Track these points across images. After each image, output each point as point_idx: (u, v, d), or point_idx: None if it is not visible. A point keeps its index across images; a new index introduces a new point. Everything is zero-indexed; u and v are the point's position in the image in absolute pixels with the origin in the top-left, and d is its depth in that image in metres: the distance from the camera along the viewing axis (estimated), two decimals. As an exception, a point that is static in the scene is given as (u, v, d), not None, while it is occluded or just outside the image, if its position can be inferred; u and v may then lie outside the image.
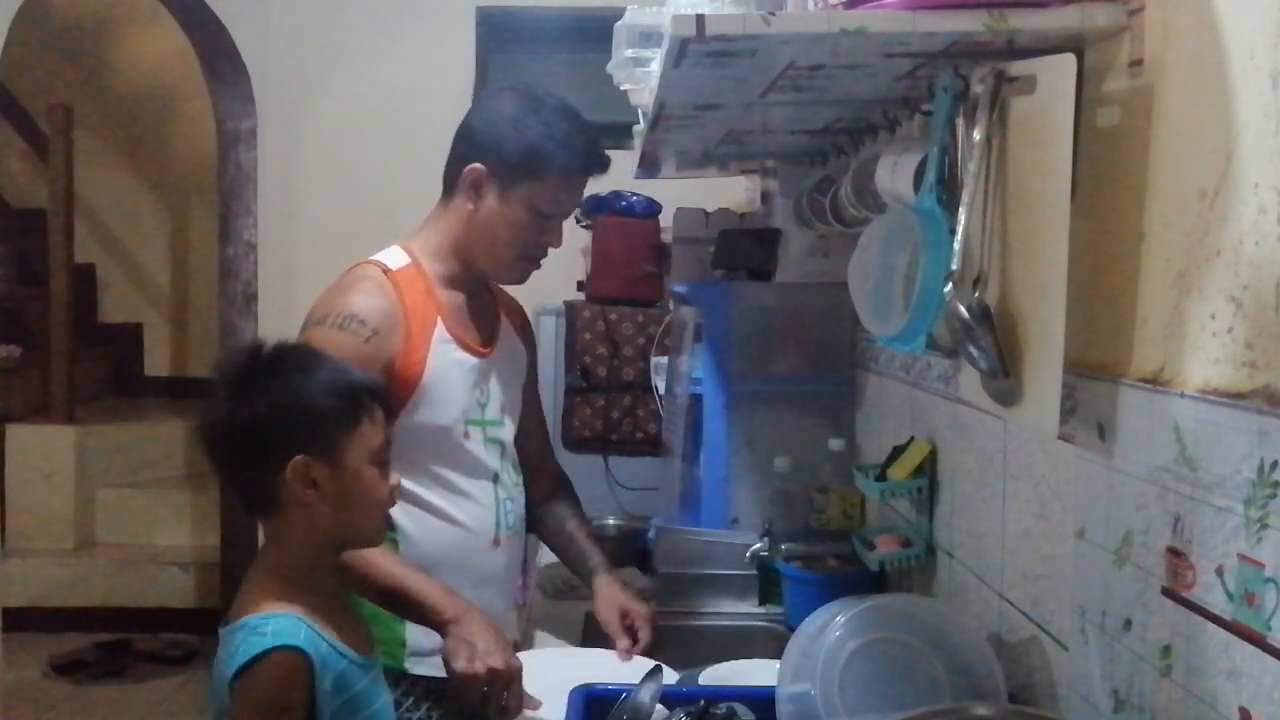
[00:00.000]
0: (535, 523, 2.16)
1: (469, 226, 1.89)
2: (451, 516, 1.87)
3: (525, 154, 1.84)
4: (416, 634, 1.81)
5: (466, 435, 1.89)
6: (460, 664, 1.65)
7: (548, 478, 2.18)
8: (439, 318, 1.87)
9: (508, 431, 1.98)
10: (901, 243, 1.50)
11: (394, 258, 1.89)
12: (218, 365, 1.50)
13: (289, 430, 1.44)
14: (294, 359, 1.51)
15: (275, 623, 1.40)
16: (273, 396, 1.45)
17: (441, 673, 1.82)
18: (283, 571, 1.46)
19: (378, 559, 1.70)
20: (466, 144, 1.90)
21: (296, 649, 1.38)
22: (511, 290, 2.08)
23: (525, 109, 1.86)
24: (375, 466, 1.49)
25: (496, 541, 1.91)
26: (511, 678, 1.66)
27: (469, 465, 1.89)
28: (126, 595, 5.01)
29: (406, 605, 1.74)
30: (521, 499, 2.01)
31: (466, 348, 1.90)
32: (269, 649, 1.37)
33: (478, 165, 1.86)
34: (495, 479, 1.93)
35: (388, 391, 1.75)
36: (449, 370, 1.86)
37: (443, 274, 1.91)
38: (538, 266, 1.96)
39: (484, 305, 1.98)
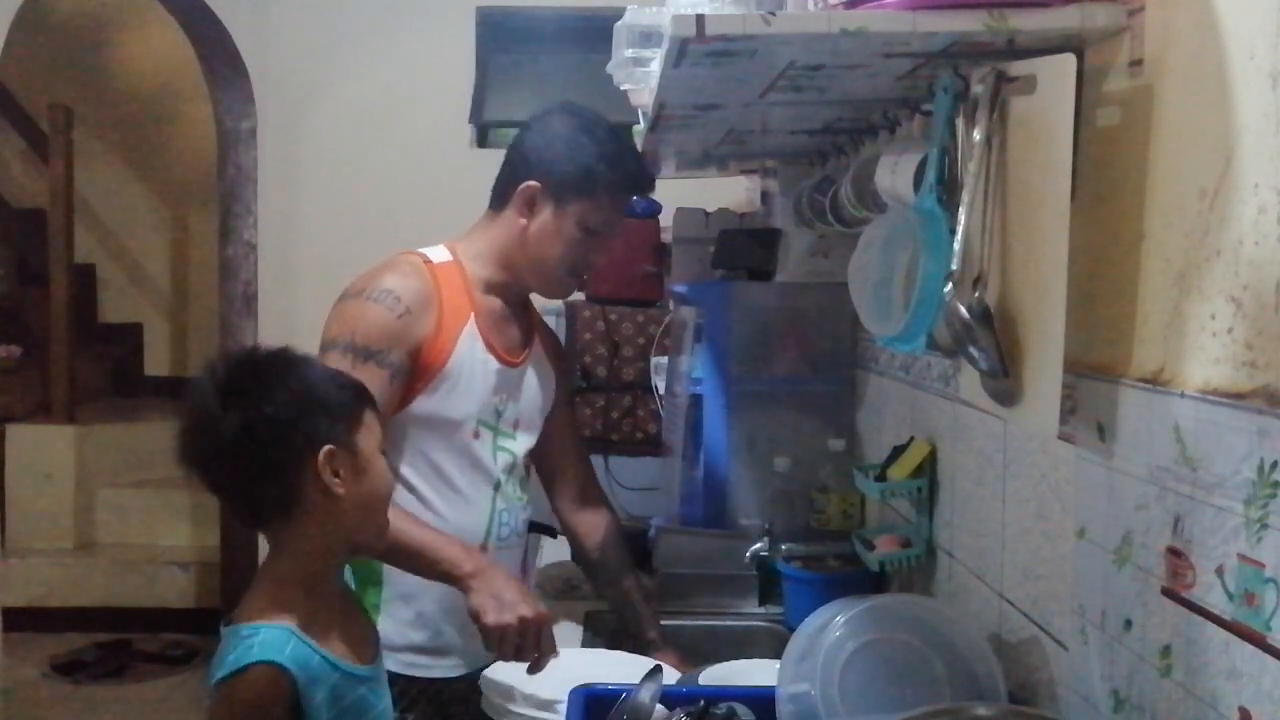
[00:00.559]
0: (588, 566, 2.15)
1: (521, 240, 1.92)
2: (439, 510, 1.87)
3: (580, 172, 1.89)
4: (388, 629, 1.81)
5: (476, 435, 1.90)
6: (491, 618, 1.67)
7: (599, 517, 2.14)
8: (472, 314, 1.89)
9: (520, 445, 1.98)
10: (901, 243, 1.50)
11: (437, 253, 1.93)
12: (206, 377, 1.44)
13: (311, 422, 1.43)
14: (287, 360, 1.49)
15: (264, 634, 1.38)
16: (287, 394, 1.44)
17: (410, 671, 1.85)
18: (289, 578, 1.45)
19: (399, 520, 1.68)
20: (521, 161, 1.93)
21: (277, 665, 1.37)
22: None
23: (578, 130, 1.92)
24: (381, 455, 1.51)
25: (484, 549, 1.89)
26: (541, 624, 1.70)
27: (470, 465, 1.90)
28: (126, 595, 5.01)
29: (425, 563, 1.75)
30: (523, 515, 2.01)
31: (493, 351, 1.91)
32: (250, 663, 1.36)
33: (533, 182, 1.90)
34: (496, 486, 1.93)
35: (410, 374, 1.79)
36: (473, 366, 1.88)
37: (483, 278, 1.93)
38: (581, 281, 1.99)
39: (520, 321, 2.00)
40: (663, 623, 2.08)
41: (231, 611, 1.46)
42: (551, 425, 2.07)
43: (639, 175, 1.97)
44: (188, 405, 1.45)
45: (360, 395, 1.51)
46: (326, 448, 1.42)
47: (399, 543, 1.71)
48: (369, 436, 1.49)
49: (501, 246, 1.94)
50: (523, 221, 1.92)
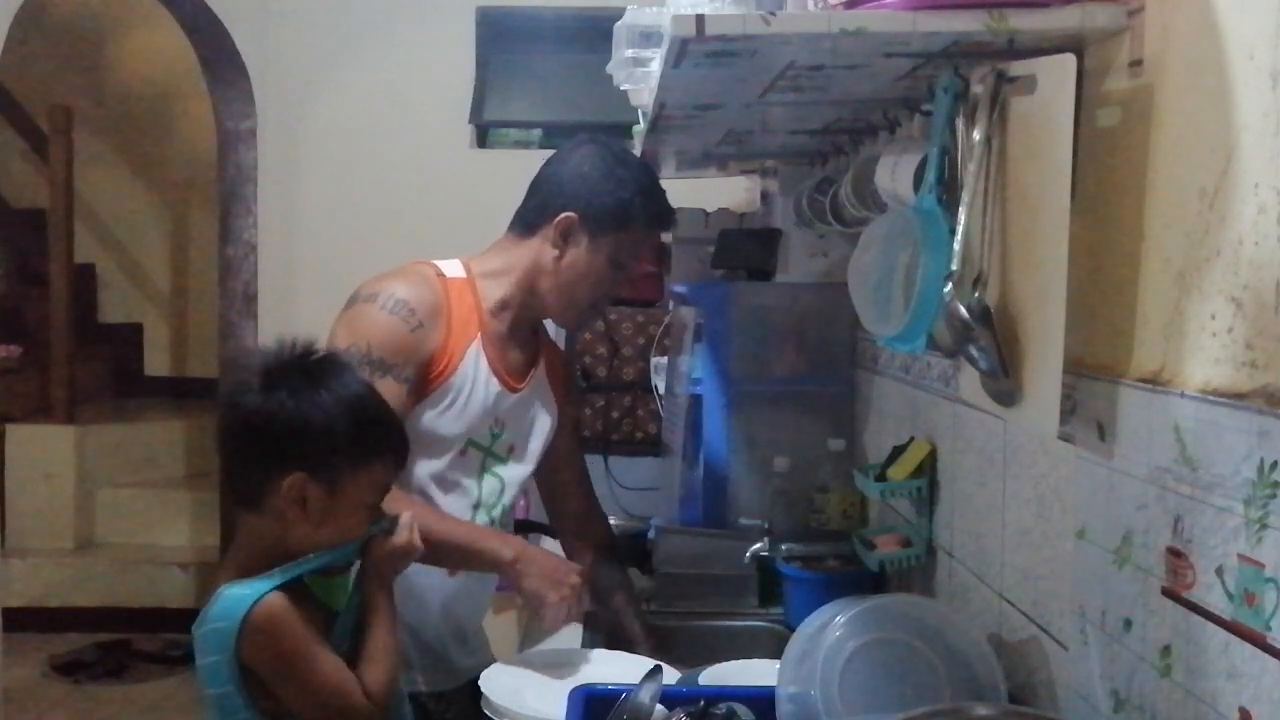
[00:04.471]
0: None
1: (551, 270, 1.91)
2: None
3: (618, 206, 1.89)
4: None
5: (464, 453, 1.88)
6: (553, 598, 1.79)
7: (594, 539, 2.14)
8: (479, 334, 1.88)
9: (511, 472, 1.96)
10: (901, 243, 1.50)
11: (450, 267, 1.92)
12: (264, 353, 1.50)
13: (300, 443, 1.44)
14: (335, 375, 1.50)
15: (235, 588, 1.42)
16: (300, 404, 1.44)
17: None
18: (247, 571, 1.47)
19: (424, 517, 1.67)
20: (556, 192, 1.91)
21: (275, 591, 1.41)
22: None
23: (614, 163, 1.91)
24: (366, 508, 1.50)
25: (453, 570, 1.88)
26: (583, 584, 1.85)
27: (452, 483, 1.88)
28: (126, 595, 5.00)
29: (464, 557, 1.79)
30: None
31: (495, 373, 1.89)
32: (256, 599, 1.40)
33: (570, 214, 1.89)
34: (476, 506, 1.91)
35: (417, 387, 1.79)
36: (475, 386, 1.86)
37: (494, 299, 1.91)
38: (599, 315, 1.99)
39: (525, 346, 1.98)
40: (663, 623, 2.08)
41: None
42: (554, 451, 2.06)
43: (668, 210, 1.98)
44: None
45: (377, 440, 1.49)
46: (296, 476, 1.43)
47: (431, 540, 1.68)
48: (362, 483, 1.48)
49: (526, 272, 1.92)
50: (555, 252, 1.90)
